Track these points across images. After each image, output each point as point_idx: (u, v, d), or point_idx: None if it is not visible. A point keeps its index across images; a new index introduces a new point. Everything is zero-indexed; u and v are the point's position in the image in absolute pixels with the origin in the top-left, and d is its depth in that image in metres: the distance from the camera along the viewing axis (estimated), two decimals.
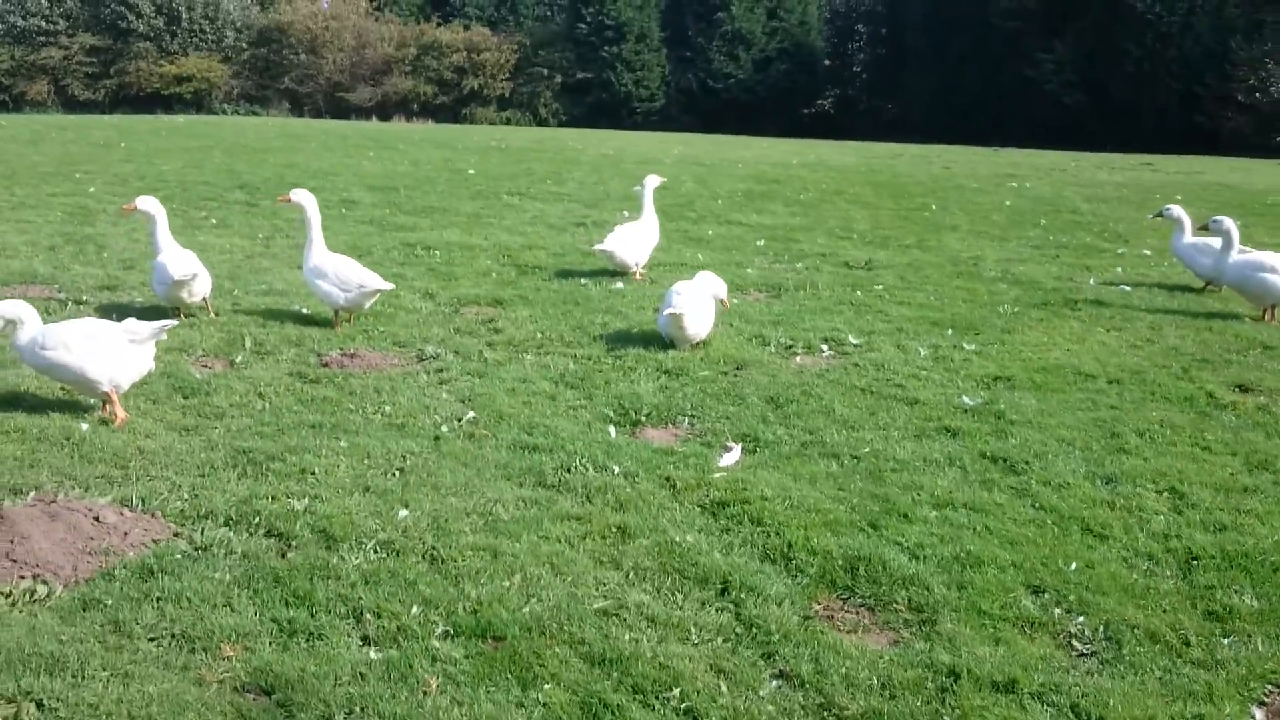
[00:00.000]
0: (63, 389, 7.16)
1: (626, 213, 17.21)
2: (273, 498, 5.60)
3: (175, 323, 7.44)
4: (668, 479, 6.01)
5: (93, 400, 6.98)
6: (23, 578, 4.77)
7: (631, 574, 4.95)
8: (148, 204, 9.74)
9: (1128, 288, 12.07)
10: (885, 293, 11.31)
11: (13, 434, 6.38)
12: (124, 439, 6.39)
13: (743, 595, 4.78)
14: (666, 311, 8.68)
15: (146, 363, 6.95)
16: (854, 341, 9.23)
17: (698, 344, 8.84)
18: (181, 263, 9.26)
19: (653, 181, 12.23)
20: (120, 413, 6.77)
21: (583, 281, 11.56)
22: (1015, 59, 55.74)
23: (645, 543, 5.24)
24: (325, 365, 8.16)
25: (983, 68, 57.66)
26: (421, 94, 64.70)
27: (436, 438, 6.62)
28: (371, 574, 4.82)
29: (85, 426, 6.54)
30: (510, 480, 5.97)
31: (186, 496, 5.61)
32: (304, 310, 9.81)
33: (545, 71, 65.52)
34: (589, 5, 64.93)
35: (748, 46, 66.06)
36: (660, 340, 8.95)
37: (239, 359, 8.25)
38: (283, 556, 5.00)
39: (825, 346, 9.11)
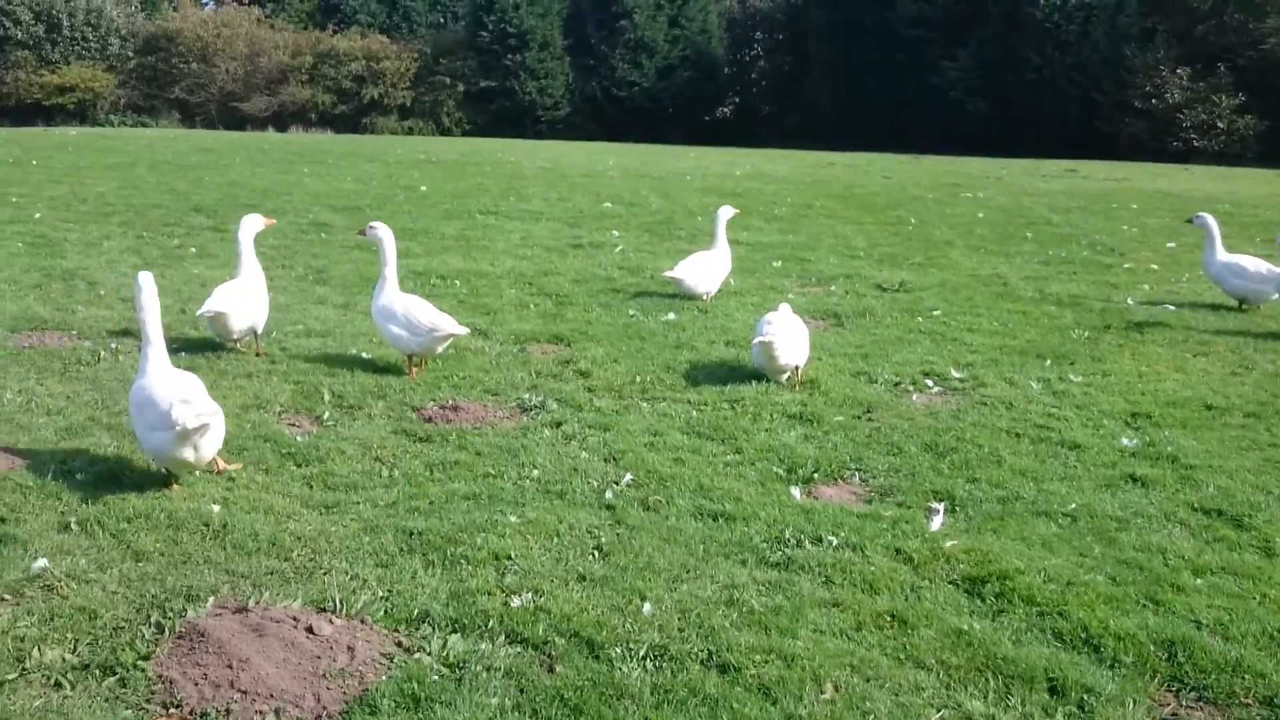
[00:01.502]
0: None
1: (616, 232, 16.66)
2: (484, 592, 4.92)
3: None
4: (898, 551, 5.49)
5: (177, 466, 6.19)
6: (261, 713, 4.03)
7: (942, 674, 4.42)
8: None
9: (1171, 307, 11.93)
10: (946, 319, 10.96)
11: (142, 521, 5.56)
12: (268, 522, 5.62)
13: (1080, 695, 4.28)
14: (757, 340, 8.19)
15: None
16: (957, 375, 8.84)
17: (790, 374, 8.37)
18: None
19: (726, 213, 11.84)
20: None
21: (630, 312, 10.97)
22: (919, 67, 56.59)
23: (929, 633, 4.71)
24: (429, 420, 7.44)
25: (886, 75, 58.38)
26: (320, 103, 62.95)
27: (609, 507, 5.99)
28: (665, 690, 4.20)
29: (217, 508, 5.75)
30: (728, 559, 5.38)
31: (383, 594, 4.90)
32: (363, 355, 9.03)
33: (447, 80, 64.38)
34: (490, 13, 63.99)
35: (650, 54, 65.90)
36: (762, 377, 8.44)
37: (325, 415, 7.47)
38: (550, 671, 4.34)
39: (930, 381, 8.70)
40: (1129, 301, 12.21)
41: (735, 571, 5.23)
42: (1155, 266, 14.78)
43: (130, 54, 62.63)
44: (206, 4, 73.93)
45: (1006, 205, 22.17)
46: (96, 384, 7.94)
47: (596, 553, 5.42)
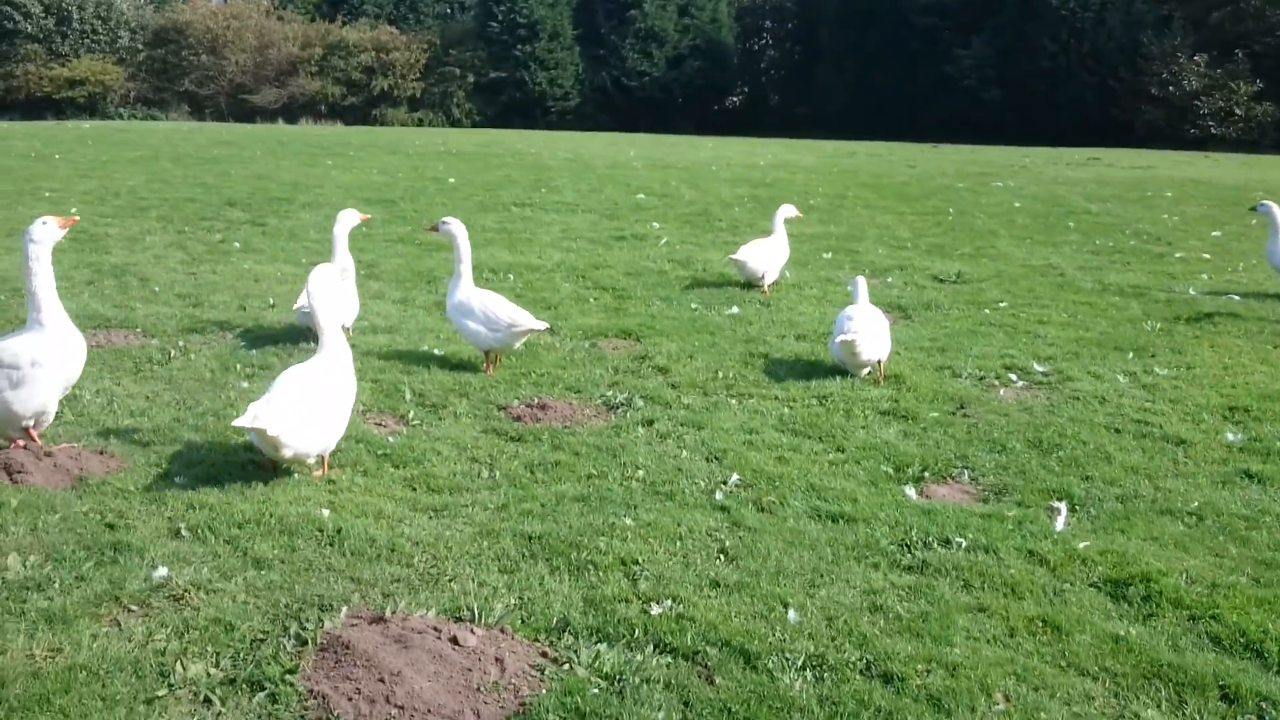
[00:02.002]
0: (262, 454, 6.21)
1: (656, 224, 16.51)
2: (621, 600, 4.79)
3: None
4: (1031, 553, 5.36)
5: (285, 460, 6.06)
6: None
7: (1109, 682, 4.29)
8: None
9: (1236, 297, 11.77)
10: (1013, 311, 10.80)
11: (254, 526, 5.42)
12: (381, 527, 5.49)
13: (1258, 703, 4.15)
14: (840, 338, 8.05)
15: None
16: (1039, 369, 8.69)
17: (872, 369, 8.25)
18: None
19: (786, 211, 11.77)
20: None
21: (693, 306, 10.83)
22: (932, 55, 56.27)
23: (1085, 639, 4.58)
24: (518, 419, 7.30)
25: (899, 64, 58.01)
26: (329, 95, 62.62)
27: (723, 508, 5.86)
28: (832, 702, 4.07)
29: (326, 513, 5.62)
30: (859, 562, 5.24)
31: (515, 603, 4.77)
32: (435, 351, 8.88)
33: (457, 71, 64.03)
34: (500, 3, 63.63)
35: (660, 44, 65.55)
36: (843, 372, 8.33)
37: (410, 414, 7.34)
38: (710, 683, 4.20)
39: (1013, 375, 8.56)
40: (1190, 291, 12.04)
41: (870, 575, 5.10)
42: (1207, 256, 14.60)
43: (140, 47, 62.35)
44: None
45: (1040, 194, 21.97)
46: (173, 384, 7.80)
47: (722, 556, 5.29)
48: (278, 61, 63.06)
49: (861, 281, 8.65)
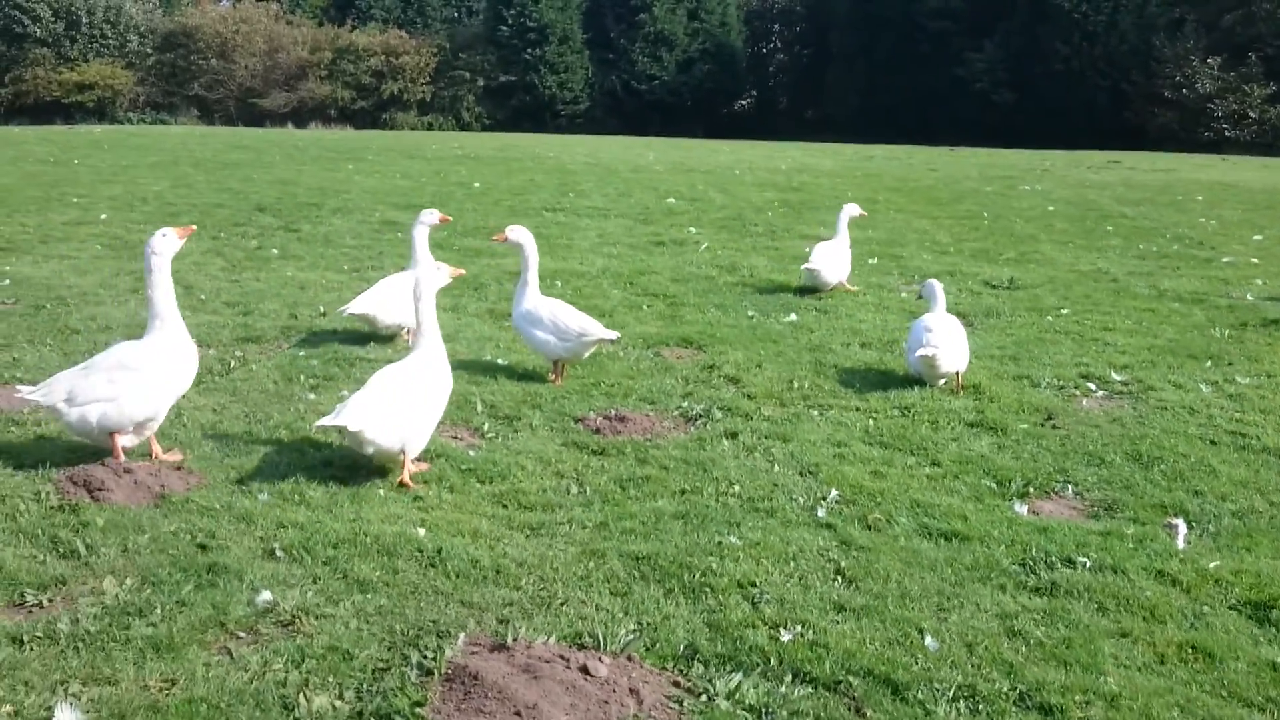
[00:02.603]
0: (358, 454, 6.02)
1: (693, 229, 16.31)
2: (746, 625, 4.59)
3: None
4: (1160, 573, 5.16)
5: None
6: None
7: (1276, 714, 4.08)
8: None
9: None
10: (1076, 318, 10.60)
11: (349, 546, 5.22)
12: (480, 546, 5.29)
13: None
14: (920, 353, 7.86)
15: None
16: (1118, 378, 8.49)
17: (950, 378, 8.06)
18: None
19: (851, 210, 11.66)
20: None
21: (750, 314, 10.64)
22: (943, 59, 56.18)
23: (1240, 666, 4.39)
24: (597, 432, 7.09)
25: (910, 68, 57.94)
26: (339, 99, 62.62)
27: (828, 526, 5.66)
28: None
29: (422, 531, 5.42)
30: (984, 584, 5.04)
31: (635, 628, 4.57)
32: (498, 360, 8.69)
33: (467, 75, 64.01)
34: (510, 7, 63.60)
35: (670, 47, 65.49)
36: (919, 381, 8.14)
37: (484, 426, 7.13)
38: (861, 715, 4.00)
39: (1091, 385, 8.36)
40: (1249, 298, 11.85)
41: (999, 598, 4.89)
42: (1256, 260, 14.41)
43: (149, 51, 62.28)
44: (222, 1, 73.68)
45: (1071, 198, 21.78)
46: (238, 395, 7.61)
47: (839, 578, 5.09)
48: (287, 65, 63.01)
49: (937, 286, 8.45)
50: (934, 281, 8.57)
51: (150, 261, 6.32)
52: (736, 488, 6.13)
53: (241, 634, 4.44)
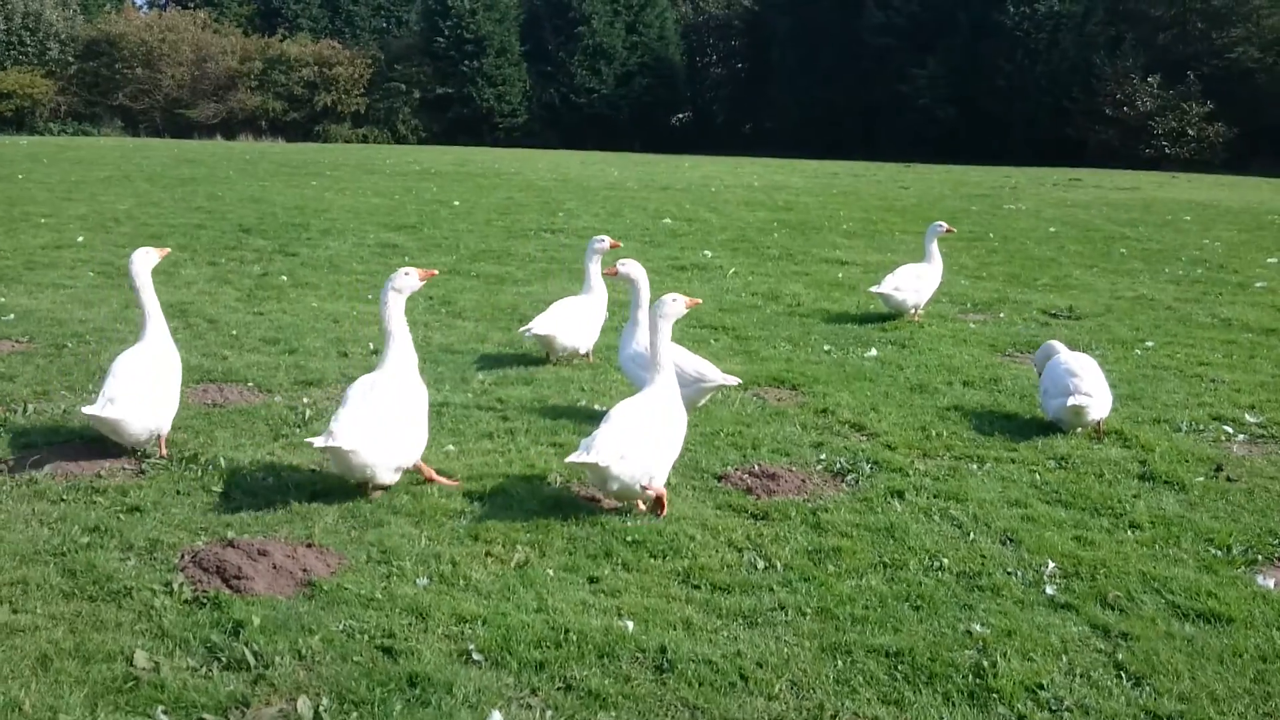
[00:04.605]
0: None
1: (709, 252, 15.72)
2: None
3: None
4: None
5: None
6: None
7: None
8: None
9: None
10: (1164, 352, 10.17)
11: (554, 647, 4.50)
12: (702, 642, 4.62)
13: None
14: (1071, 401, 7.33)
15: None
16: (1253, 421, 8.04)
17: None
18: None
19: (939, 228, 11.32)
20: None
21: (825, 348, 10.07)
22: (886, 74, 56.34)
23: None
24: (748, 492, 6.43)
25: (853, 82, 58.07)
26: (270, 110, 60.97)
27: (1067, 606, 5.08)
28: None
29: (630, 625, 4.71)
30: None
31: None
32: (595, 406, 7.98)
33: (403, 87, 62.77)
34: (446, 18, 62.52)
35: (609, 60, 64.90)
36: (1053, 426, 7.63)
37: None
38: None
39: (1229, 428, 7.90)
40: None
41: None
42: (1273, 284, 14.20)
43: (70, 59, 60.01)
44: (141, 6, 71.56)
45: (1062, 217, 21.61)
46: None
47: (1122, 674, 4.51)
48: (215, 75, 61.24)
49: (1061, 346, 7.97)
50: (1055, 343, 8.05)
51: (387, 297, 6.41)
52: (944, 560, 5.51)
53: None
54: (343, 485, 6.21)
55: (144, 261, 6.96)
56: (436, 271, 7.06)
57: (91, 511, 5.76)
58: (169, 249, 7.21)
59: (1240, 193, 31.30)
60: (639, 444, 5.79)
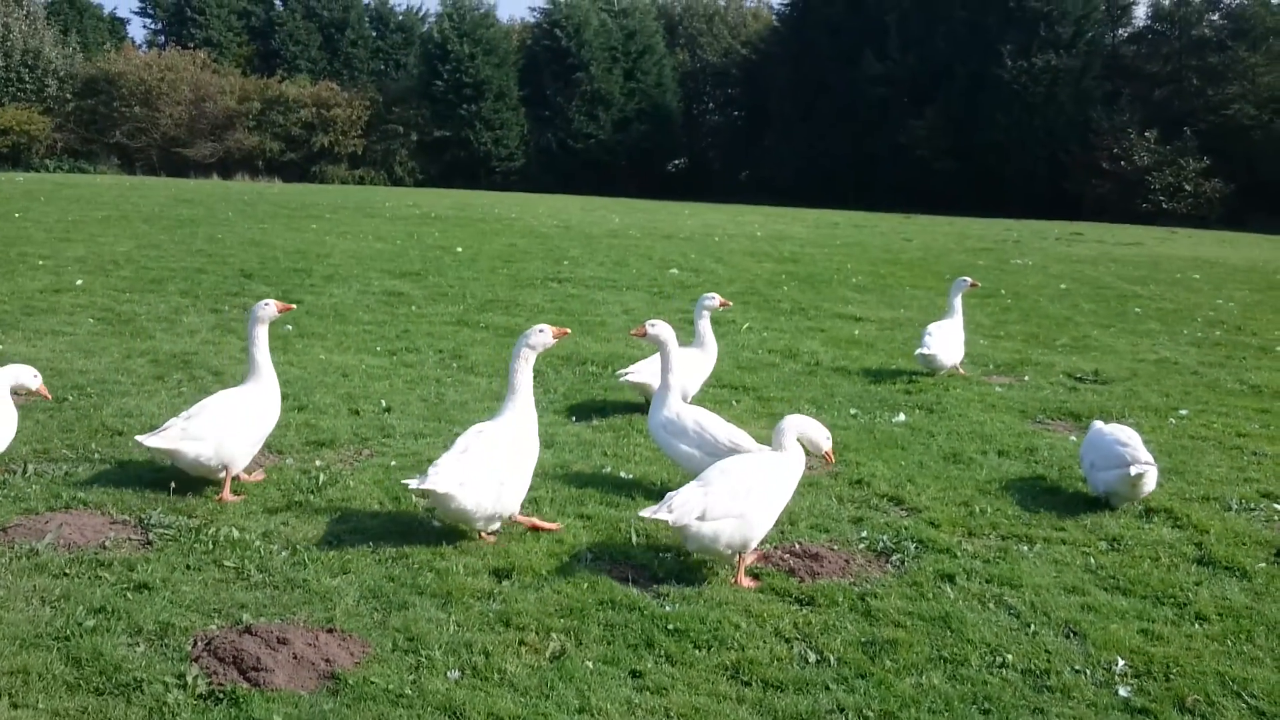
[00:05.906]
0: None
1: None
2: None
3: None
4: None
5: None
6: None
7: None
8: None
9: None
10: (1200, 422, 9.86)
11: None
12: None
13: None
14: (1135, 471, 7.01)
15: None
16: None
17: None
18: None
19: (963, 284, 11.34)
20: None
21: (851, 412, 9.75)
22: (884, 125, 56.56)
23: None
24: (791, 574, 6.09)
25: (851, 133, 58.27)
26: (268, 150, 60.95)
27: (1143, 711, 4.78)
28: None
29: None
30: None
31: None
32: (622, 474, 7.66)
33: (400, 129, 62.89)
34: (445, 62, 62.73)
35: (607, 106, 65.17)
36: (1096, 501, 7.35)
37: (654, 566, 6.11)
38: None
39: (1277, 505, 7.58)
40: None
41: None
42: None
43: (69, 96, 59.99)
44: (141, 45, 71.67)
45: (1071, 274, 21.43)
46: (348, 521, 6.47)
47: None
48: (214, 115, 61.29)
49: (1104, 426, 7.68)
50: (1101, 424, 7.75)
51: (521, 352, 6.48)
52: (1007, 656, 5.18)
53: None
54: (362, 560, 5.87)
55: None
56: (568, 330, 7.02)
57: (97, 589, 5.40)
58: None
59: (1243, 250, 31.25)
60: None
